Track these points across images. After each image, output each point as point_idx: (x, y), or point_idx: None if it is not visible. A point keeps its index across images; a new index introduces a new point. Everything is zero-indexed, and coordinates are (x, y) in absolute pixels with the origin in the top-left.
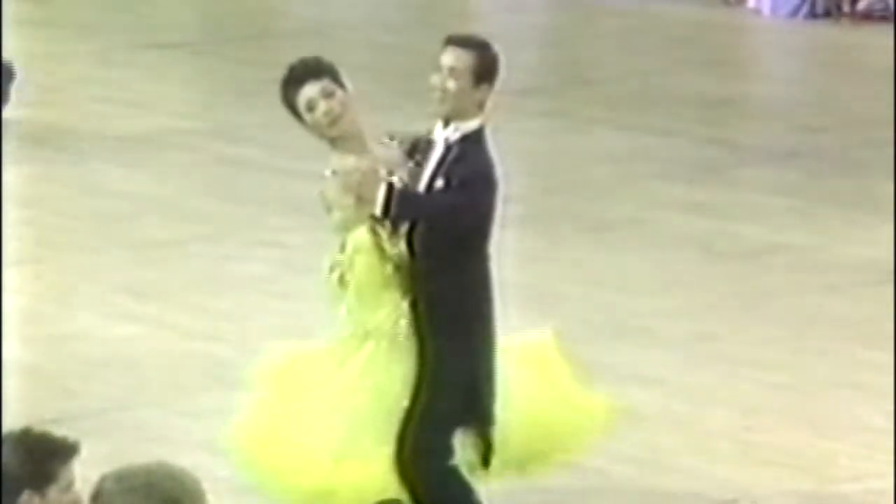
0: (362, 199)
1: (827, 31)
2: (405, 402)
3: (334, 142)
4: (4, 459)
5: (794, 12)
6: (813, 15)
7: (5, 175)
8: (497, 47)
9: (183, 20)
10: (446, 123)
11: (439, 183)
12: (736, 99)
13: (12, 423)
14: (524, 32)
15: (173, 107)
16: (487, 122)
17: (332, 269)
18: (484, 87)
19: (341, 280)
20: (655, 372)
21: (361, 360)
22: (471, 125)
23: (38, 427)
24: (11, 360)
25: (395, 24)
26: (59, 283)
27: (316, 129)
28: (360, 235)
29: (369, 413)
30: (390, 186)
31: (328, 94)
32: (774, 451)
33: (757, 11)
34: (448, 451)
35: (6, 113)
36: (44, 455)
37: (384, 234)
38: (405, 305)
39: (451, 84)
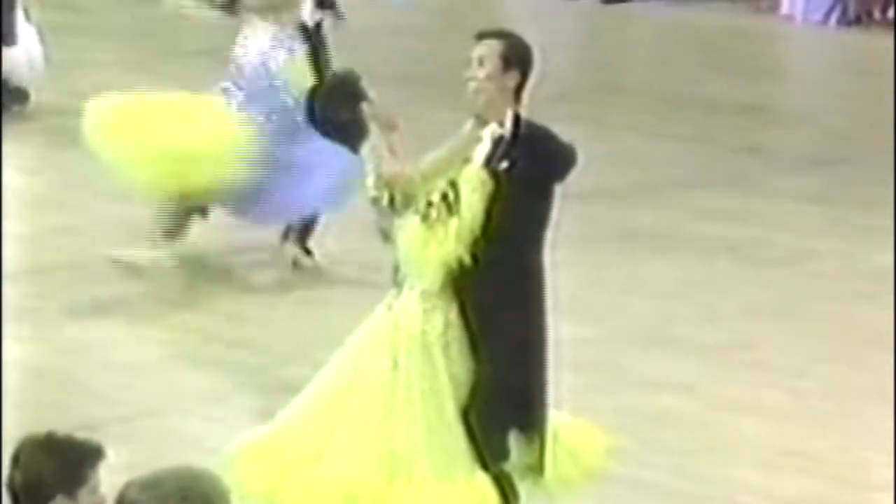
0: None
1: (858, 38)
2: (453, 411)
3: None
4: (36, 465)
5: (825, 18)
6: (844, 21)
7: (36, 181)
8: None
9: (214, 27)
10: (482, 122)
11: (503, 166)
12: (766, 106)
13: (38, 429)
14: (554, 39)
15: None
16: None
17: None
18: (513, 72)
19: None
20: (686, 379)
21: (412, 370)
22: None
23: (63, 432)
24: (38, 366)
25: (423, 30)
26: (90, 287)
27: None
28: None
29: (420, 428)
30: None
31: None
32: (806, 458)
33: (790, 17)
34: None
35: (39, 117)
36: (74, 459)
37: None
38: (453, 313)
39: (480, 73)
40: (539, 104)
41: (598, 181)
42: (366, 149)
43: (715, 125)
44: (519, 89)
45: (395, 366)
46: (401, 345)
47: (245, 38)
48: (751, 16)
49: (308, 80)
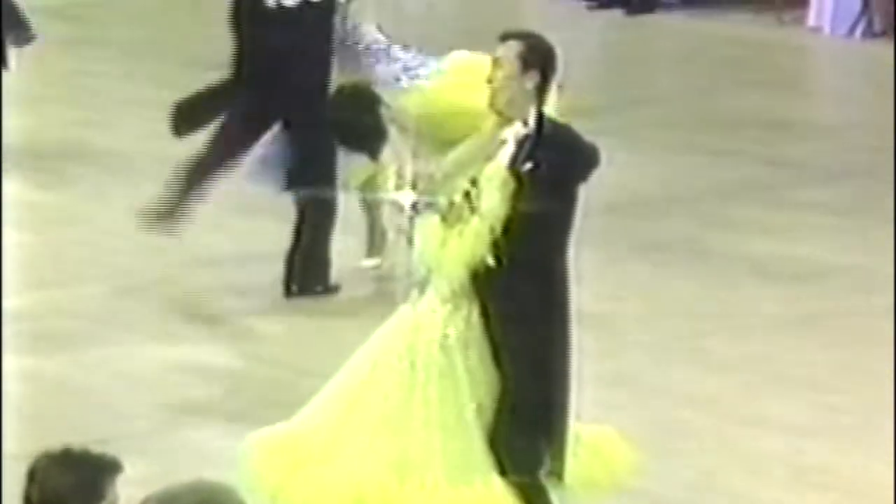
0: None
1: (883, 51)
2: (471, 414)
3: None
4: (54, 480)
5: (851, 31)
6: (870, 34)
7: (49, 195)
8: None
9: (227, 39)
10: (504, 121)
11: (527, 167)
12: (791, 118)
13: (55, 443)
14: (576, 51)
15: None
16: None
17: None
18: (532, 73)
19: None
20: (708, 393)
21: (431, 371)
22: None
23: (80, 446)
24: (55, 380)
25: (444, 44)
26: (106, 303)
27: None
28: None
29: (436, 430)
30: None
31: None
32: (829, 474)
33: (816, 30)
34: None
35: (50, 132)
36: (91, 473)
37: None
38: (475, 315)
39: (499, 73)
40: (562, 117)
41: (621, 194)
42: (386, 152)
43: (740, 138)
44: (542, 89)
45: (413, 366)
46: (420, 346)
47: None
48: (776, 28)
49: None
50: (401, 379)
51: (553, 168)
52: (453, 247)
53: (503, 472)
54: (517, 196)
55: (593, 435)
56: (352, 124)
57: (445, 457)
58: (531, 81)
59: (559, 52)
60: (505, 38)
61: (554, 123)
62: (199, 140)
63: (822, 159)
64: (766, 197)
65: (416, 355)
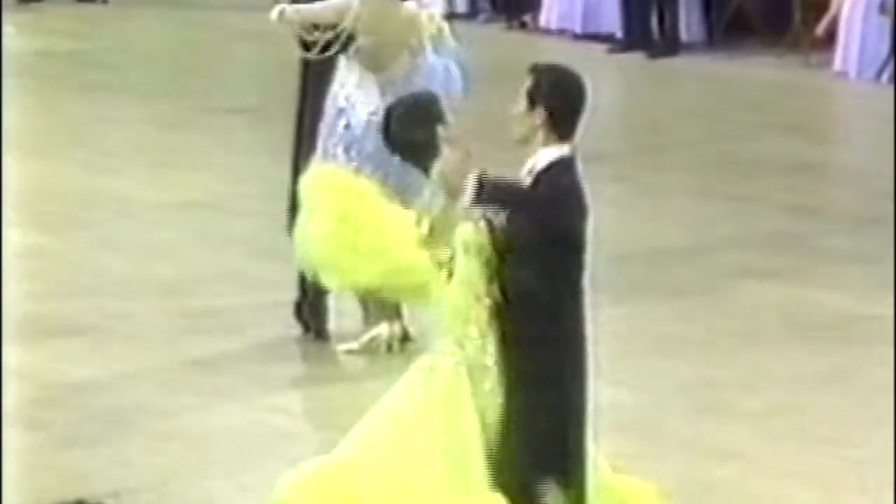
0: (454, 191)
1: None
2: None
3: None
4: None
5: (878, 75)
6: None
7: (62, 242)
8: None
9: (245, 85)
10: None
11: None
12: (815, 164)
13: (68, 494)
14: (599, 96)
15: (235, 172)
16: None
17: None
18: (539, 110)
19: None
20: (732, 445)
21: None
22: (555, 153)
23: (93, 499)
24: (69, 430)
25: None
26: (120, 352)
27: None
28: (465, 231)
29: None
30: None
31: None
32: None
33: (843, 74)
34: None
35: (61, 177)
36: None
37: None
38: (490, 346)
39: (514, 109)
40: (585, 162)
41: (643, 241)
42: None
43: (764, 184)
44: (550, 126)
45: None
46: (435, 383)
47: (346, 89)
48: (801, 72)
49: None
50: (413, 412)
51: (547, 195)
52: (446, 293)
53: None
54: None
55: (623, 485)
56: (405, 136)
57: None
58: (538, 118)
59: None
60: (530, 69)
61: (563, 167)
62: (208, 186)
63: (848, 206)
64: (791, 244)
65: (432, 391)
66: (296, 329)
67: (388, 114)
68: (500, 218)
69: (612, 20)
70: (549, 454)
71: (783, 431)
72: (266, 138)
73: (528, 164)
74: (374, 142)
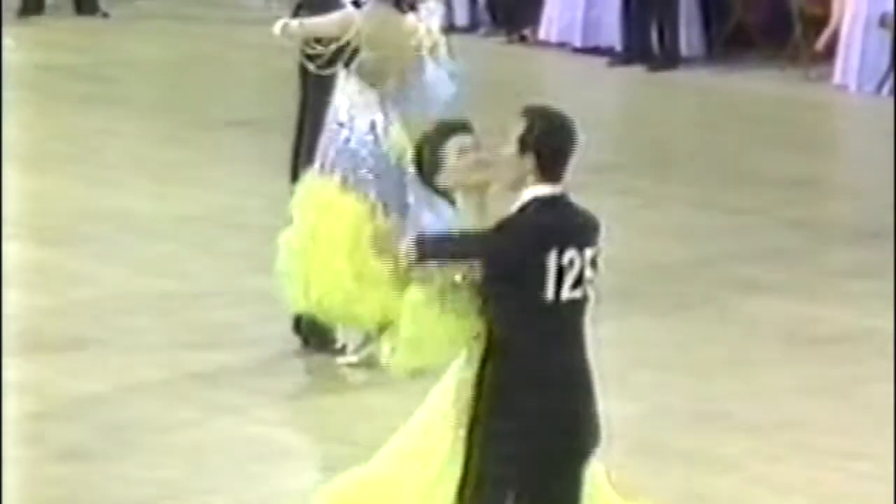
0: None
1: None
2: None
3: None
4: None
5: (879, 88)
6: None
7: (62, 255)
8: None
9: (245, 98)
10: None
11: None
12: (816, 178)
13: None
14: (600, 109)
15: (235, 185)
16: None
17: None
18: (528, 155)
19: None
20: (732, 458)
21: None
22: (538, 191)
23: None
24: (69, 446)
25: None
26: (119, 366)
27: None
28: (413, 295)
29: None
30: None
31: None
32: None
33: (843, 87)
34: None
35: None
36: None
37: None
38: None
39: (503, 150)
40: (585, 176)
41: (644, 255)
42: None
43: (765, 198)
44: (539, 171)
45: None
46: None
47: (346, 103)
48: (801, 85)
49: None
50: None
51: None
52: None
53: None
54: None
55: None
56: (437, 164)
57: None
58: (528, 163)
59: (582, 109)
60: (522, 113)
61: (536, 202)
62: (208, 199)
63: (848, 220)
64: (791, 258)
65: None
66: (295, 343)
67: (422, 142)
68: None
69: (611, 34)
70: (520, 482)
71: (783, 444)
72: (266, 151)
73: (517, 203)
74: (372, 157)
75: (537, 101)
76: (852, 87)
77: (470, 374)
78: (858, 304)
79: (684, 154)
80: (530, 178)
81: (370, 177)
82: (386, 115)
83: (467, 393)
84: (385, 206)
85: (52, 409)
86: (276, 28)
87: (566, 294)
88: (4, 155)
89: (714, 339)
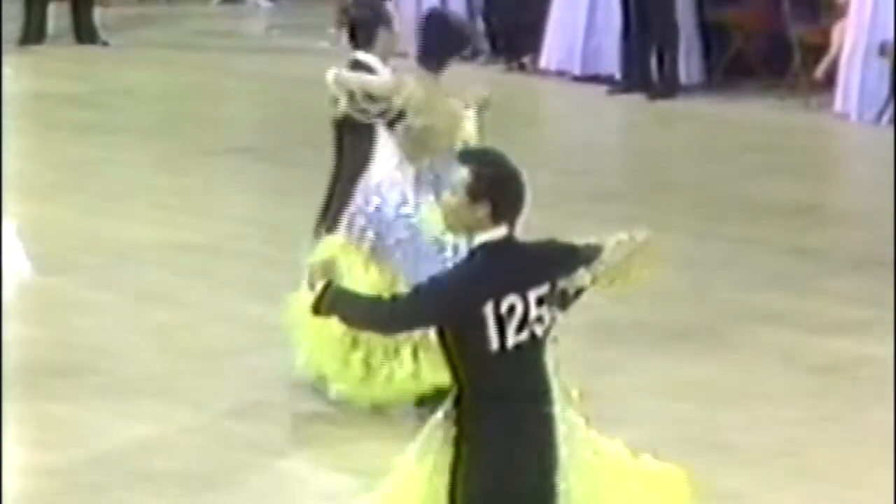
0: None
1: None
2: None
3: None
4: None
5: (879, 117)
6: None
7: (63, 285)
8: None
9: (244, 127)
10: None
11: None
12: (816, 206)
13: None
14: (599, 137)
15: (234, 213)
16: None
17: None
18: (483, 202)
19: None
20: (733, 487)
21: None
22: (487, 235)
23: None
24: (69, 475)
25: None
26: (119, 394)
27: None
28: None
29: None
30: (328, 284)
31: None
32: None
33: (843, 115)
34: None
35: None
36: None
37: None
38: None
39: (452, 199)
40: (585, 204)
41: (644, 282)
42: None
43: (765, 226)
44: (498, 215)
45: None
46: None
47: (384, 170)
48: (801, 114)
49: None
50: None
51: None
52: None
53: None
54: None
55: (655, 473)
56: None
57: None
58: (482, 210)
59: (581, 136)
60: (459, 159)
61: (485, 247)
62: (207, 227)
63: (849, 248)
64: (792, 286)
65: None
66: (295, 371)
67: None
68: None
69: (611, 62)
70: None
71: (784, 473)
72: (265, 180)
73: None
74: (402, 229)
75: (535, 129)
76: (853, 115)
77: (442, 415)
78: (859, 333)
79: (684, 182)
80: (483, 222)
81: (397, 249)
82: (418, 190)
83: (440, 434)
84: (407, 278)
85: (50, 439)
86: (329, 76)
87: (511, 340)
88: (4, 184)
89: (714, 367)
